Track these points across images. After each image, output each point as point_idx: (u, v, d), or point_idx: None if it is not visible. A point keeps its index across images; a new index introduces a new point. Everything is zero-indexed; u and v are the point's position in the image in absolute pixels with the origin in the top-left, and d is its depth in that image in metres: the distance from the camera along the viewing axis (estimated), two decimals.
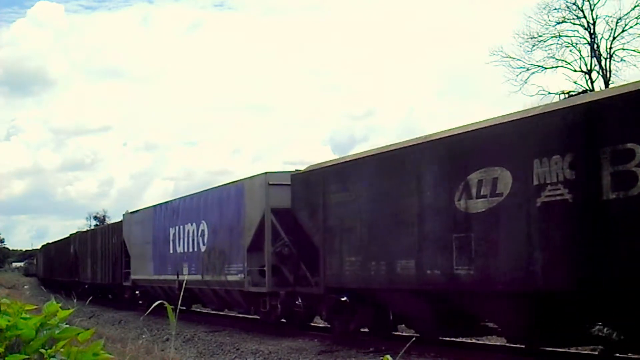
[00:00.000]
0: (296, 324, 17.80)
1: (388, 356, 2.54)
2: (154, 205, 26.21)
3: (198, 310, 25.94)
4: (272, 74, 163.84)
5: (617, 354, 11.16)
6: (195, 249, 21.55)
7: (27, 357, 2.49)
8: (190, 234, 21.93)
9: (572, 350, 12.02)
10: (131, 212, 28.81)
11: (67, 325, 2.66)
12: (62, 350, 2.57)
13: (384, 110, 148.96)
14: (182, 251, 22.67)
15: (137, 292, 29.66)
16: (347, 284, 14.55)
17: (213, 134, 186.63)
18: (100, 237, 33.45)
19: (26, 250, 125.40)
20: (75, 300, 12.63)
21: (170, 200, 24.78)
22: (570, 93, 14.48)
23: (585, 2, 35.86)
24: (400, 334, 15.51)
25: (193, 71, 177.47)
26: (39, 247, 74.24)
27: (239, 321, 21.98)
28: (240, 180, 19.14)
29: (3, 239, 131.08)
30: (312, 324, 18.76)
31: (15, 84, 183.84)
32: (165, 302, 2.84)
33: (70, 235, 44.45)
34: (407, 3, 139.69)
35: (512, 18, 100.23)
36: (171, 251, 23.61)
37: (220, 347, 17.08)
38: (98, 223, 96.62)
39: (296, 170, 17.76)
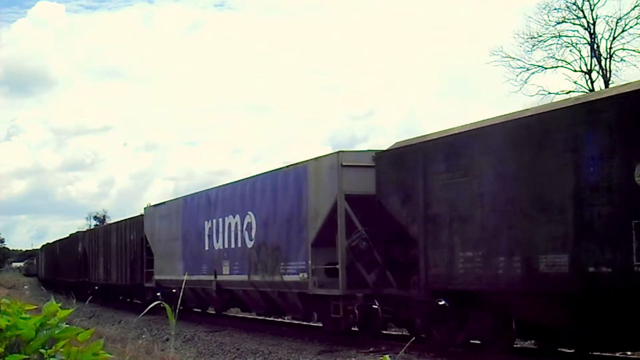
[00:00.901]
0: (371, 333, 14.93)
1: (387, 356, 2.54)
2: (184, 197, 23.25)
3: (234, 314, 23.07)
4: (272, 74, 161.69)
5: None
6: (240, 245, 18.64)
7: (27, 357, 2.48)
8: (233, 228, 19.02)
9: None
10: (154, 205, 25.84)
11: (67, 325, 2.64)
12: (62, 350, 2.56)
13: (385, 110, 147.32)
14: (221, 248, 19.75)
15: (158, 293, 26.75)
16: (461, 285, 11.68)
17: (213, 134, 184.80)
18: (115, 234, 30.43)
19: (26, 250, 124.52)
20: (74, 300, 12.50)
21: (205, 190, 21.84)
22: None
23: (585, 2, 35.49)
24: (401, 334, 15.32)
25: (193, 71, 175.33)
26: (39, 247, 71.80)
27: (240, 321, 21.09)
28: (302, 162, 16.24)
29: (3, 239, 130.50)
30: (385, 332, 15.96)
31: (15, 83, 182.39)
32: (163, 303, 2.93)
33: (77, 232, 41.57)
34: (407, 3, 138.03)
35: (512, 18, 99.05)
36: (207, 248, 20.69)
37: (220, 347, 16.70)
38: (98, 223, 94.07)
39: (368, 150, 15.01)
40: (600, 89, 32.05)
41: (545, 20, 36.08)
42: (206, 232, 20.74)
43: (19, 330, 2.56)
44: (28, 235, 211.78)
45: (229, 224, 19.27)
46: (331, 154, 15.02)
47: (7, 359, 2.44)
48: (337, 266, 14.57)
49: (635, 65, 36.32)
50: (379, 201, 13.63)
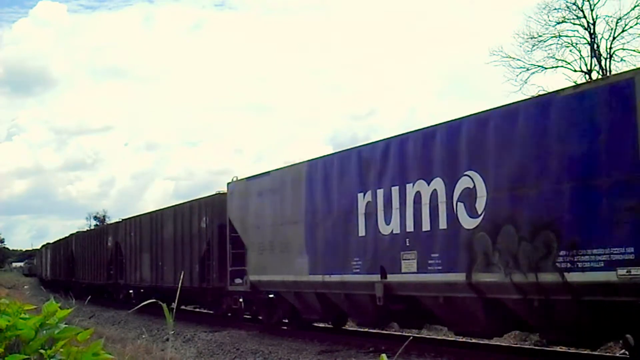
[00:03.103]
0: None
1: (384, 355, 2.46)
2: (308, 161, 16.18)
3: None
4: (273, 74, 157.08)
5: None
6: (443, 226, 11.72)
7: (27, 357, 2.45)
8: (427, 200, 12.09)
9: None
10: (247, 178, 18.70)
11: (67, 325, 2.60)
12: (61, 350, 2.52)
13: (386, 110, 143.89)
14: (397, 232, 12.77)
15: (240, 299, 19.88)
16: None
17: (214, 134, 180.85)
18: (172, 221, 23.29)
19: (26, 250, 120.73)
20: (73, 300, 12.12)
21: (350, 149, 14.88)
22: None
23: (585, 2, 35.22)
24: (401, 333, 15.39)
25: (194, 71, 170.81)
26: (39, 247, 65.89)
27: (240, 321, 19.63)
28: (615, 75, 9.37)
29: (3, 239, 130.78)
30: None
31: (17, 83, 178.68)
32: (159, 302, 2.76)
33: (104, 224, 34.41)
34: (407, 3, 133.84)
35: (512, 18, 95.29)
36: (362, 234, 13.75)
37: (220, 347, 16.40)
38: (98, 223, 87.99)
39: None
40: None
41: (545, 20, 35.75)
42: (360, 210, 13.82)
43: (18, 330, 2.53)
44: (28, 235, 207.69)
45: (417, 193, 12.37)
46: None
47: (7, 359, 2.38)
48: None
49: (635, 65, 36.66)
50: None
